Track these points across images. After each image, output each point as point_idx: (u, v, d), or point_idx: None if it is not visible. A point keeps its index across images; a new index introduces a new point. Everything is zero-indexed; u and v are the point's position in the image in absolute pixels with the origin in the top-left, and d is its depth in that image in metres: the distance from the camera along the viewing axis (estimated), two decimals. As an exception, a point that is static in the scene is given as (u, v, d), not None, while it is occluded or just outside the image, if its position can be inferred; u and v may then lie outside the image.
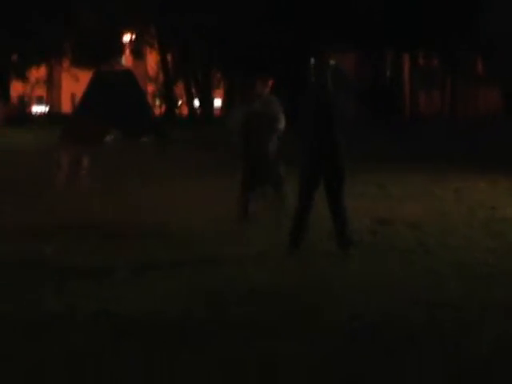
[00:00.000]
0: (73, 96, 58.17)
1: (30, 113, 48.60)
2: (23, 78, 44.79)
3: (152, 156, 21.43)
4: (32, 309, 6.31)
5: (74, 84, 52.01)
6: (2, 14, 36.80)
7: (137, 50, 42.72)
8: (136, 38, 41.62)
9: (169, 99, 39.63)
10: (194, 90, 40.68)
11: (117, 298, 6.61)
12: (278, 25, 36.98)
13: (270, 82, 10.90)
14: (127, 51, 44.82)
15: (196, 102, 40.45)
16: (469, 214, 10.97)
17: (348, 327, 5.84)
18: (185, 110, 45.85)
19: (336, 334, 5.73)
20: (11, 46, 39.77)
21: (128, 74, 31.40)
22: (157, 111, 39.77)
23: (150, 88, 47.61)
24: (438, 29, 37.88)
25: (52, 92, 54.59)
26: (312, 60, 9.10)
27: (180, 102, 43.30)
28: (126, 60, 51.81)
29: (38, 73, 49.29)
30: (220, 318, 6.06)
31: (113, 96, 27.73)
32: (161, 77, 45.36)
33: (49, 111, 52.22)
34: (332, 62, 8.63)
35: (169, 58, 41.78)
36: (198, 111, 41.34)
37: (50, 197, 12.36)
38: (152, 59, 45.75)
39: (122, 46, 43.50)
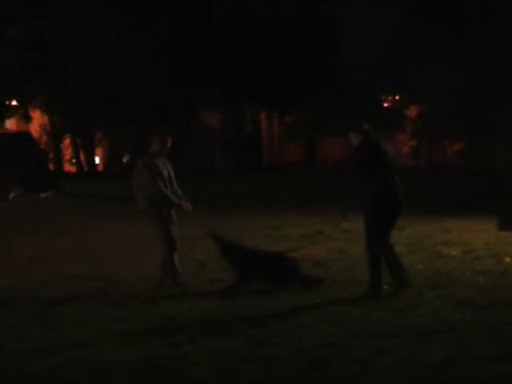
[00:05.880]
0: None
1: None
2: None
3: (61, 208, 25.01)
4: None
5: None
6: None
7: (25, 114, 47.06)
8: (24, 103, 45.97)
9: (57, 157, 44.60)
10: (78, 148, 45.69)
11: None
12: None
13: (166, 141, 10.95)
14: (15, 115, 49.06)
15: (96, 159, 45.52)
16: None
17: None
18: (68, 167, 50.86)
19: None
20: None
21: (26, 135, 34.23)
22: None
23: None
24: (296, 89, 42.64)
25: None
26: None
27: (74, 160, 47.98)
28: (10, 124, 56.03)
29: None
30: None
31: (13, 157, 29.56)
32: (44, 137, 50.16)
33: None
34: None
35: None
36: (86, 167, 46.39)
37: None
38: (36, 122, 50.50)
39: (10, 110, 47.57)
